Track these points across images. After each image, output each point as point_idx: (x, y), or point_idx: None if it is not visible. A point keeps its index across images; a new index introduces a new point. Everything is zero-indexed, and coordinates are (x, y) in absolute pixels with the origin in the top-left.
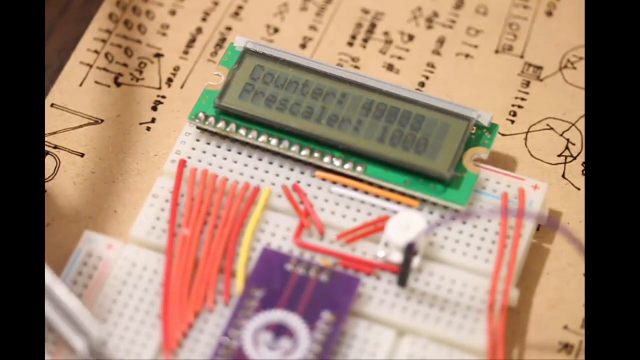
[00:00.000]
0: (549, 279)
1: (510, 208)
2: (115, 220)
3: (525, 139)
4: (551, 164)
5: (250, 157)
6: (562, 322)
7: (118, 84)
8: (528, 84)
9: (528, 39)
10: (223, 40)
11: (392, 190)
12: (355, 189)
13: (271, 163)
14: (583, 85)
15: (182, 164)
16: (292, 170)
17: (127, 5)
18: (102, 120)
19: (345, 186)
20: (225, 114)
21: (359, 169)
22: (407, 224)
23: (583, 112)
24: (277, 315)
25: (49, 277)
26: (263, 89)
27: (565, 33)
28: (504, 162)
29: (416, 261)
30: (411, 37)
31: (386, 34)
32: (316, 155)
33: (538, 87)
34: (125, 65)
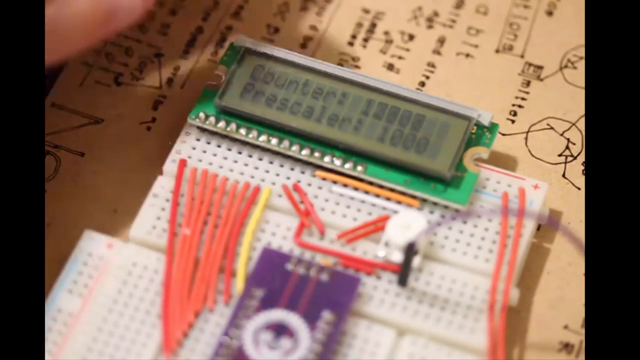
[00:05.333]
0: (549, 279)
1: (511, 207)
2: (115, 220)
3: (526, 139)
4: (551, 164)
5: (250, 156)
6: (562, 322)
7: (118, 84)
8: (528, 83)
9: (528, 38)
10: (223, 39)
11: (392, 190)
12: (356, 189)
13: (271, 162)
14: (583, 84)
15: (182, 164)
16: (292, 169)
17: None
18: (102, 120)
19: (345, 185)
20: (226, 113)
21: (359, 168)
22: (407, 223)
23: (583, 112)
24: (278, 314)
25: None
26: (263, 88)
27: (565, 33)
28: (504, 162)
29: (416, 260)
30: (411, 37)
31: (386, 33)
32: (316, 154)
33: (538, 86)
34: (126, 64)
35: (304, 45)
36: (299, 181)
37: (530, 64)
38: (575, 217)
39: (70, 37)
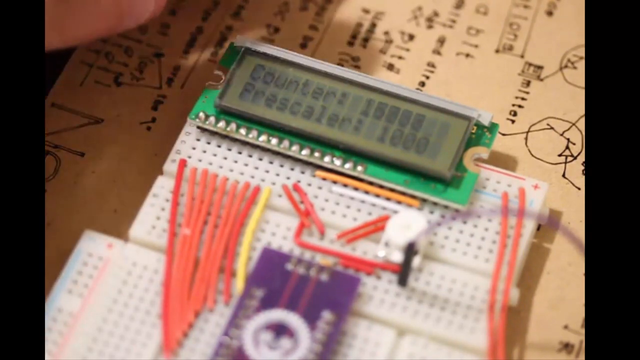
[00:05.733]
0: (549, 279)
1: (511, 207)
2: (115, 220)
3: (526, 139)
4: (551, 164)
5: (250, 156)
6: (562, 322)
7: (118, 84)
8: (528, 83)
9: (528, 38)
10: (223, 39)
11: (392, 190)
12: (356, 189)
13: (271, 162)
14: (583, 84)
15: (182, 164)
16: (292, 169)
17: None
18: (102, 120)
19: (345, 185)
20: (226, 113)
21: (359, 168)
22: (407, 223)
23: (583, 112)
24: (278, 314)
25: None
26: (263, 88)
27: (565, 32)
28: (504, 162)
29: (416, 260)
30: (411, 37)
31: (386, 33)
32: (316, 154)
33: (538, 86)
34: (125, 64)
35: (304, 45)
36: (299, 181)
37: (530, 64)
38: (575, 217)
39: (87, 22)
